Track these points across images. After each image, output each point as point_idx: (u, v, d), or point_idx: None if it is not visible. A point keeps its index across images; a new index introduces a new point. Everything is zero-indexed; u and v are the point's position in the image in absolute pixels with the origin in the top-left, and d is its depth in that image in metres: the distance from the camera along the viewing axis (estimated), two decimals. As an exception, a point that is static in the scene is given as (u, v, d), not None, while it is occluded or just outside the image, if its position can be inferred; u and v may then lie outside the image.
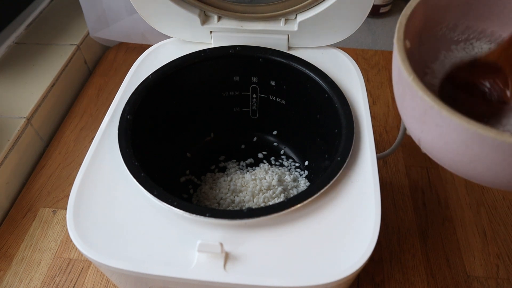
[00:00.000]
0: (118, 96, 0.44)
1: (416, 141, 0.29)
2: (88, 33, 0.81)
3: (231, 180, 0.48)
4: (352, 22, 0.45)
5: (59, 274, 0.53)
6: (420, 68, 0.33)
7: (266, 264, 0.31)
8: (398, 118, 0.71)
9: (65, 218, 0.42)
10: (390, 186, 0.61)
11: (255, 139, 0.54)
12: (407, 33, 0.29)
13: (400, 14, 0.31)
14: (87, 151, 0.39)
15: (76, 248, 0.43)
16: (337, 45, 0.48)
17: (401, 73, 0.26)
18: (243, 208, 0.45)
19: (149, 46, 0.50)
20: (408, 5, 0.30)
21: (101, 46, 0.87)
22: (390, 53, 0.84)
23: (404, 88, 0.27)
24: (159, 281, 0.32)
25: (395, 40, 0.28)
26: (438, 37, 0.34)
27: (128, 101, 0.42)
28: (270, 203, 0.45)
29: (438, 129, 0.25)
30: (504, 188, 0.26)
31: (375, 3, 0.92)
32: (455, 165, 0.26)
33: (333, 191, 0.35)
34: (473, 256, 0.53)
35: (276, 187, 0.46)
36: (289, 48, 0.48)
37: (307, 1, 0.44)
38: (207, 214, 0.33)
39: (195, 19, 0.46)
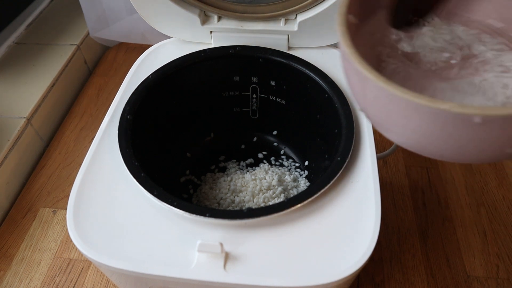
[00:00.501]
0: (118, 96, 0.44)
1: (366, 118, 0.28)
2: (88, 33, 0.81)
3: (231, 180, 0.48)
4: (352, 22, 0.45)
5: (59, 274, 0.53)
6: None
7: (266, 264, 0.31)
8: (398, 118, 0.71)
9: (65, 218, 0.42)
10: (390, 186, 0.61)
11: (255, 139, 0.54)
12: (352, 8, 0.28)
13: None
14: (87, 151, 0.39)
15: (76, 248, 0.43)
16: (337, 45, 0.48)
17: (342, 48, 0.26)
18: (243, 208, 0.45)
19: (149, 46, 0.50)
20: None
21: (101, 46, 0.87)
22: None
23: (346, 62, 0.26)
24: (159, 281, 0.32)
25: (337, 14, 0.27)
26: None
27: (128, 101, 0.42)
28: (270, 203, 0.45)
29: (377, 102, 0.25)
30: (451, 160, 0.26)
31: (375, 3, 0.92)
32: (401, 139, 0.26)
33: (333, 191, 0.35)
34: (473, 256, 0.53)
35: (276, 187, 0.46)
36: (289, 48, 0.48)
37: (307, 1, 0.44)
38: (207, 214, 0.33)
39: (195, 19, 0.46)
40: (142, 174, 0.36)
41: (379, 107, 0.25)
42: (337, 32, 0.26)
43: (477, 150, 0.23)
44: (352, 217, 0.33)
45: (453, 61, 0.30)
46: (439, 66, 0.30)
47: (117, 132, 0.40)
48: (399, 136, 0.26)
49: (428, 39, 0.32)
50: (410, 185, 0.61)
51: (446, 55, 0.31)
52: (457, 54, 0.31)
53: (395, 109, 0.23)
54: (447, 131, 0.22)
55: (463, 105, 0.20)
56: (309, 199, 0.34)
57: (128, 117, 0.41)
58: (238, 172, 0.50)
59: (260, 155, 0.53)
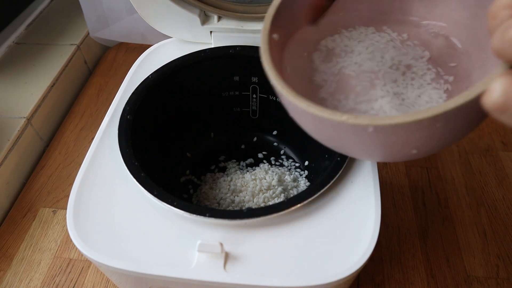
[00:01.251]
0: (118, 96, 0.44)
1: None
2: (88, 33, 0.81)
3: (231, 180, 0.48)
4: (352, 22, 0.45)
5: (59, 274, 0.53)
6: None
7: (266, 264, 0.31)
8: (398, 118, 0.71)
9: (65, 218, 0.42)
10: (390, 186, 0.61)
11: (255, 139, 0.54)
12: (277, 25, 0.30)
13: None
14: (87, 151, 0.39)
15: (76, 248, 0.43)
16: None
17: (263, 64, 0.28)
18: (243, 208, 0.45)
19: (149, 46, 0.50)
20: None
21: (101, 46, 0.87)
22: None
23: (268, 77, 0.28)
24: (159, 281, 0.32)
25: (262, 30, 0.29)
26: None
27: (128, 101, 0.42)
28: (270, 203, 0.45)
29: (295, 114, 0.27)
30: (369, 160, 0.28)
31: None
32: (326, 143, 0.28)
33: (333, 191, 0.35)
34: (473, 256, 0.53)
35: (276, 187, 0.46)
36: (289, 48, 0.48)
37: (307, 1, 0.44)
38: (207, 214, 0.33)
39: (195, 19, 0.46)
40: (142, 174, 0.36)
41: (296, 117, 0.27)
42: (260, 50, 0.28)
43: (384, 152, 0.25)
44: (352, 217, 0.33)
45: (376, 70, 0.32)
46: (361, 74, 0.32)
47: (117, 132, 0.40)
48: (324, 141, 0.28)
49: (354, 49, 0.34)
50: (410, 185, 0.61)
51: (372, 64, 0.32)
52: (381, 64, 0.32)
53: (308, 120, 0.26)
54: (351, 137, 0.24)
55: (357, 116, 0.22)
56: (309, 199, 0.34)
57: (128, 117, 0.41)
58: (238, 172, 0.50)
59: (260, 155, 0.53)
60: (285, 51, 0.32)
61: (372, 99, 0.30)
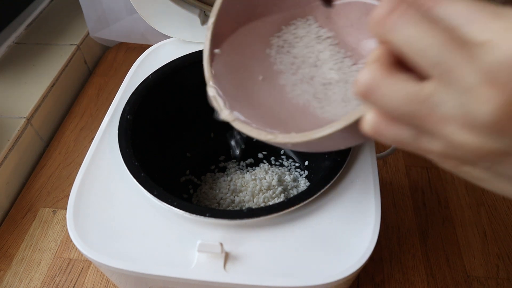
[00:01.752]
0: (118, 96, 0.44)
1: None
2: (88, 33, 0.81)
3: (231, 180, 0.48)
4: (352, 22, 0.45)
5: (59, 274, 0.53)
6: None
7: (266, 264, 0.31)
8: (398, 118, 0.71)
9: (65, 218, 0.42)
10: (390, 186, 0.61)
11: (255, 139, 0.54)
12: (218, 40, 0.32)
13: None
14: (87, 151, 0.39)
15: (76, 248, 0.43)
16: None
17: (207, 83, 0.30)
18: (243, 208, 0.45)
19: (149, 46, 0.50)
20: (212, 11, 0.31)
21: (101, 46, 0.87)
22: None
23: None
24: (159, 281, 0.32)
25: (204, 51, 0.31)
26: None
27: (128, 101, 0.42)
28: (270, 203, 0.45)
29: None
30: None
31: (375, 3, 0.92)
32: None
33: (333, 191, 0.35)
34: (473, 256, 0.53)
35: (276, 187, 0.46)
36: (289, 48, 0.48)
37: (307, 1, 0.44)
38: (207, 214, 0.33)
39: (195, 19, 0.46)
40: (142, 174, 0.36)
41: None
42: (205, 73, 0.31)
43: (316, 150, 0.30)
44: (352, 217, 0.33)
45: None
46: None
47: (117, 132, 0.40)
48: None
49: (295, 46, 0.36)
50: (410, 185, 0.61)
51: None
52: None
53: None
54: (281, 145, 0.29)
55: (276, 136, 0.27)
56: (309, 199, 0.34)
57: (128, 117, 0.41)
58: (238, 172, 0.50)
59: (260, 155, 0.53)
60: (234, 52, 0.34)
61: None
